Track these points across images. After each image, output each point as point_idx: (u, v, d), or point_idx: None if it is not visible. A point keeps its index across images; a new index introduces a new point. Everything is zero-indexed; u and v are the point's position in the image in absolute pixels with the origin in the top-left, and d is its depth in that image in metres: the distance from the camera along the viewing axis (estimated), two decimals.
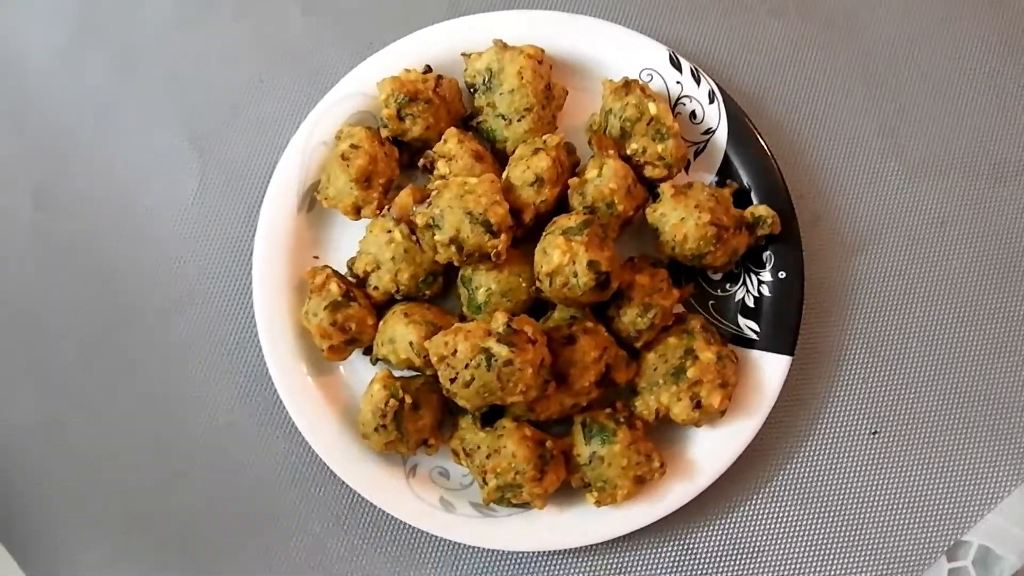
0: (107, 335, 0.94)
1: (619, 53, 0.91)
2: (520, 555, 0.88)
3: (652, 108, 0.86)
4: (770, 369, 0.86)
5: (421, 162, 0.88)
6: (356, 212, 0.87)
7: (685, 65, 0.90)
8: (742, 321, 0.88)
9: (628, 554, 0.88)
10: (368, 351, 0.87)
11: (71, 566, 0.91)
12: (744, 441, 0.84)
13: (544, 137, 0.84)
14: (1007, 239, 0.92)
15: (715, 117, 0.89)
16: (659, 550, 0.88)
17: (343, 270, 0.88)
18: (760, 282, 0.88)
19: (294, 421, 0.86)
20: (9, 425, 0.93)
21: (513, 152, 0.86)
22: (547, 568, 0.88)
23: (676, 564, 0.88)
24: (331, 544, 0.90)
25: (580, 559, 0.88)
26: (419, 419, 0.83)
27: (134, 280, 0.95)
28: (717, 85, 0.89)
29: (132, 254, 0.95)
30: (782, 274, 0.87)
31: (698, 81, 0.90)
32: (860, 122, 0.95)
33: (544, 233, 0.81)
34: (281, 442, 0.91)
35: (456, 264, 0.82)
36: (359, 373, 0.89)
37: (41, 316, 0.95)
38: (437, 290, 0.87)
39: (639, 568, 0.88)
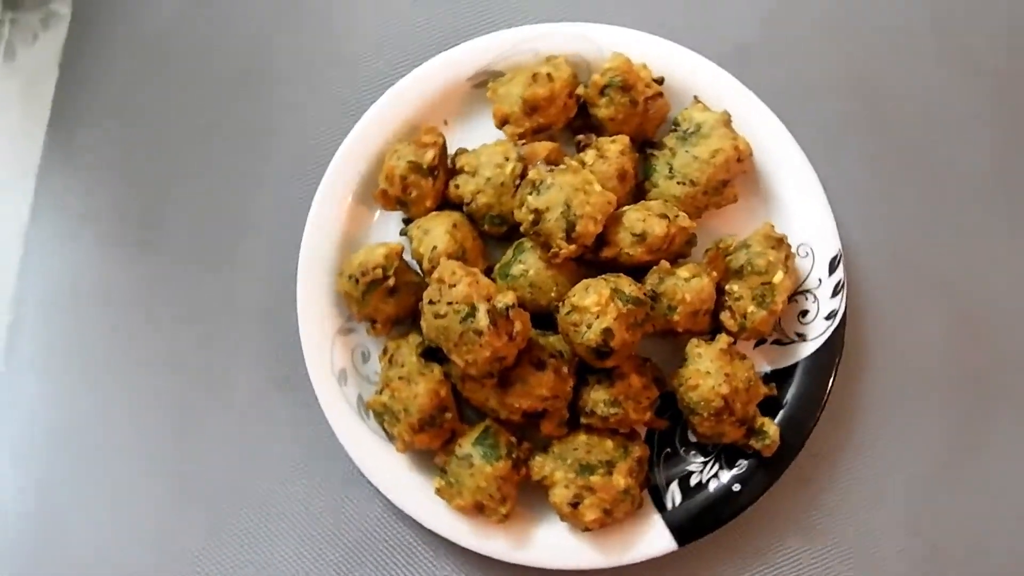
0: None
1: (802, 216, 0.88)
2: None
3: (778, 276, 0.84)
4: (653, 540, 0.84)
5: (580, 137, 0.88)
6: (502, 122, 0.88)
7: (838, 275, 0.87)
8: (673, 487, 0.87)
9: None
10: (408, 222, 0.89)
11: None
12: (578, 565, 0.84)
13: (680, 212, 0.84)
14: None
15: (817, 333, 0.87)
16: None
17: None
18: (715, 476, 0.86)
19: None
20: None
21: (651, 200, 0.86)
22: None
23: None
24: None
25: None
26: (385, 302, 0.84)
27: None
28: (844, 314, 0.87)
29: None
30: (736, 487, 0.85)
31: (834, 294, 0.87)
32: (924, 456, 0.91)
33: (602, 276, 0.81)
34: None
35: (523, 230, 0.83)
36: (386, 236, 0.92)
37: None
38: (495, 233, 0.87)
39: None
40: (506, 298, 0.78)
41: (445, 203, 0.89)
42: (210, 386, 0.92)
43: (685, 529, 0.85)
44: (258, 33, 0.99)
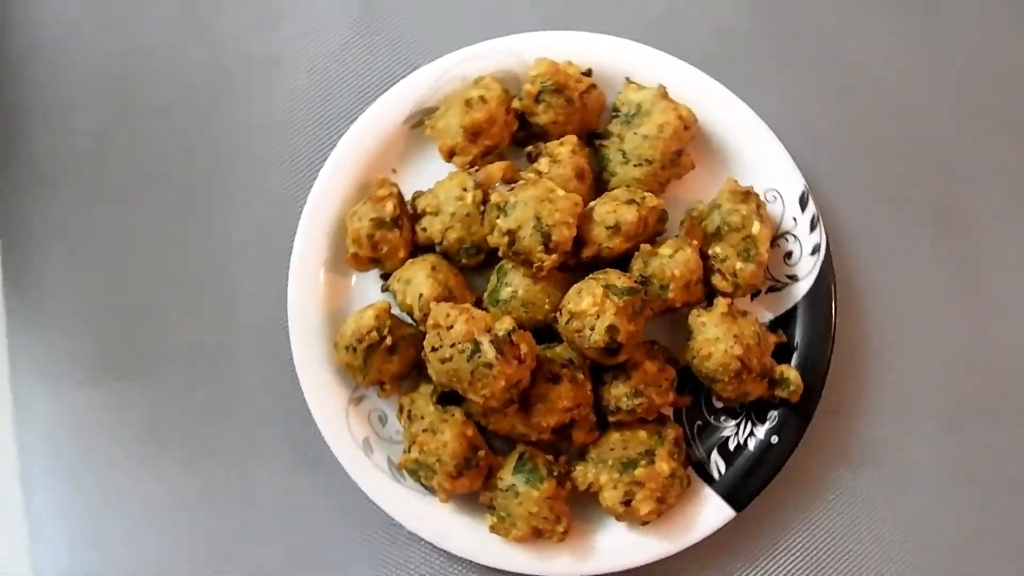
0: None
1: (760, 163, 0.89)
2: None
3: (755, 228, 0.85)
4: (711, 513, 0.85)
5: (529, 149, 0.88)
6: (449, 155, 0.88)
7: (810, 209, 0.88)
8: (715, 456, 0.87)
9: None
10: (386, 277, 0.89)
11: None
12: (647, 559, 0.84)
13: (645, 194, 0.84)
14: None
15: (807, 270, 0.88)
16: None
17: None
18: (751, 434, 0.87)
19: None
20: None
21: (613, 189, 0.87)
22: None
23: None
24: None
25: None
26: (388, 362, 0.84)
27: None
28: (827, 242, 0.88)
29: None
30: (774, 439, 0.86)
31: (812, 229, 0.88)
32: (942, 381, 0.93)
33: (590, 276, 0.81)
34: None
35: (501, 254, 0.83)
36: (368, 296, 0.91)
37: None
38: (474, 264, 0.87)
39: None
40: (505, 324, 0.78)
41: (417, 248, 0.89)
42: (233, 489, 0.91)
43: (738, 493, 0.86)
44: (191, 139, 0.97)
